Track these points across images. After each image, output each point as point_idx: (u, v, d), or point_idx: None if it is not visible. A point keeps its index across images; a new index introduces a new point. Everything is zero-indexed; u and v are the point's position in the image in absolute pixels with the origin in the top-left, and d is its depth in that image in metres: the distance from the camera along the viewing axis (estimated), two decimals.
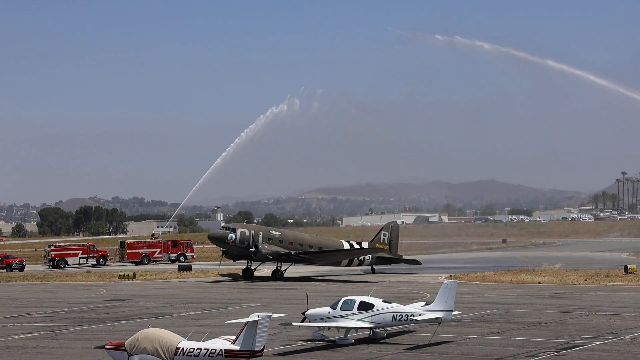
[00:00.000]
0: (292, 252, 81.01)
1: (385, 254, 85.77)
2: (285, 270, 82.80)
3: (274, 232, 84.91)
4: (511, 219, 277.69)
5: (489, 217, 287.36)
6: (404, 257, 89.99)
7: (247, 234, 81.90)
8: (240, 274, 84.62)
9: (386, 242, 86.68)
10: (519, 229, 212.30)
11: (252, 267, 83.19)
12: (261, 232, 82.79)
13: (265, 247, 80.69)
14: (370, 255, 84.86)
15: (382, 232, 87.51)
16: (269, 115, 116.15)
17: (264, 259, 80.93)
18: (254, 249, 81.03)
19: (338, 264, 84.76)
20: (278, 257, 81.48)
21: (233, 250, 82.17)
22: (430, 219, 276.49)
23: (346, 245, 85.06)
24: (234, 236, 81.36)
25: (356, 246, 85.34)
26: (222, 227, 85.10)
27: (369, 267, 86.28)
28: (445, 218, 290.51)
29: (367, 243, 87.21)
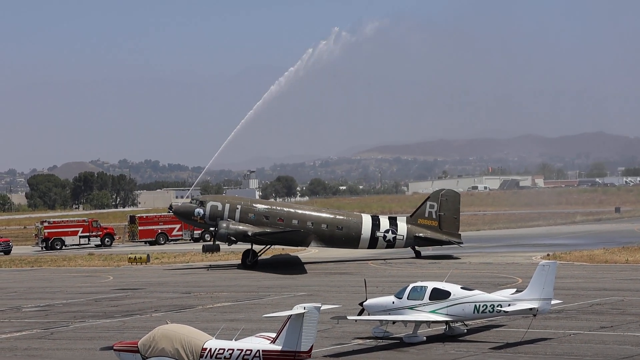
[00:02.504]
0: (250, 233, 79.37)
1: (426, 232, 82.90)
2: (259, 254, 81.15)
3: (258, 205, 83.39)
4: (626, 181, 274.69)
5: (597, 179, 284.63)
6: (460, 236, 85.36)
7: (219, 207, 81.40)
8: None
9: (433, 216, 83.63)
10: (637, 194, 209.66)
11: (256, 251, 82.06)
12: (239, 206, 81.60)
13: (224, 226, 79.35)
14: (405, 234, 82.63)
15: (428, 203, 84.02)
16: (313, 54, 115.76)
17: (225, 239, 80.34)
18: (214, 228, 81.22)
19: (351, 245, 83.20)
20: (243, 239, 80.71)
21: (203, 228, 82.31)
22: (521, 183, 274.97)
23: (368, 222, 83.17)
24: (201, 211, 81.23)
25: (385, 222, 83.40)
26: (191, 199, 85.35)
27: (407, 249, 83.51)
28: (540, 182, 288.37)
29: (404, 217, 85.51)
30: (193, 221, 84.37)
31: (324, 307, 31.38)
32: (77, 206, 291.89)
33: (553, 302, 39.60)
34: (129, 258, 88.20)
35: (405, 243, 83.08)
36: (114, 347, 32.05)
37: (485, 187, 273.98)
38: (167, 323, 32.27)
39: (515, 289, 42.84)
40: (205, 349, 30.25)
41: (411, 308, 39.99)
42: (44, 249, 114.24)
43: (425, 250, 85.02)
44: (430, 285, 40.64)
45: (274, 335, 30.44)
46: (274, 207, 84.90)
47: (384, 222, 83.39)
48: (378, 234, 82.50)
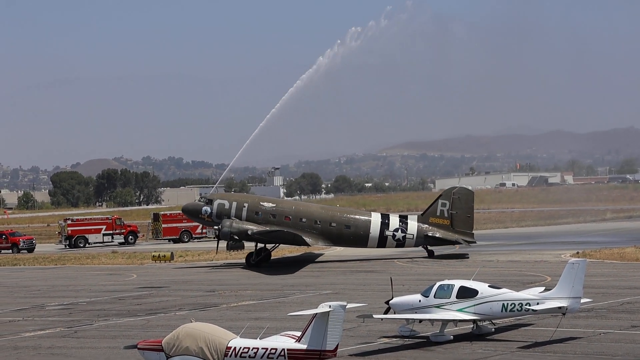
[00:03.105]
0: (250, 232, 79.25)
1: (436, 231, 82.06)
2: (262, 254, 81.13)
3: (265, 203, 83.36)
4: None
5: (628, 176, 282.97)
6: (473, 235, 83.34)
7: (227, 206, 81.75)
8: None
9: (445, 214, 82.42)
10: None
11: (262, 249, 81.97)
12: (246, 204, 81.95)
13: (227, 224, 79.53)
14: (415, 233, 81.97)
15: (440, 202, 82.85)
16: (338, 50, 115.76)
17: (227, 238, 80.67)
18: (218, 226, 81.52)
19: (359, 244, 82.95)
20: (245, 237, 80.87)
21: (211, 226, 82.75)
22: (550, 180, 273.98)
23: (377, 220, 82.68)
24: (209, 209, 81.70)
25: (394, 221, 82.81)
26: (200, 197, 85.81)
27: (419, 249, 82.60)
28: (569, 178, 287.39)
29: (415, 216, 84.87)
30: (201, 219, 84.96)
31: (349, 305, 31.38)
32: (100, 204, 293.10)
33: (582, 300, 39.45)
34: (153, 256, 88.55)
35: (416, 242, 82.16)
36: (138, 346, 32.20)
37: (514, 184, 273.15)
38: (192, 321, 32.37)
39: (544, 287, 42.75)
40: (230, 347, 30.33)
41: (438, 306, 39.95)
42: (67, 247, 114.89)
43: (444, 250, 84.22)
44: (458, 283, 40.58)
45: (299, 334, 30.48)
46: (281, 206, 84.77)
47: (394, 221, 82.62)
48: (387, 232, 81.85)
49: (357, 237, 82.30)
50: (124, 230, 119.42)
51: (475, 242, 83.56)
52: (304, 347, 29.61)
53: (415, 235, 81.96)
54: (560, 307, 38.64)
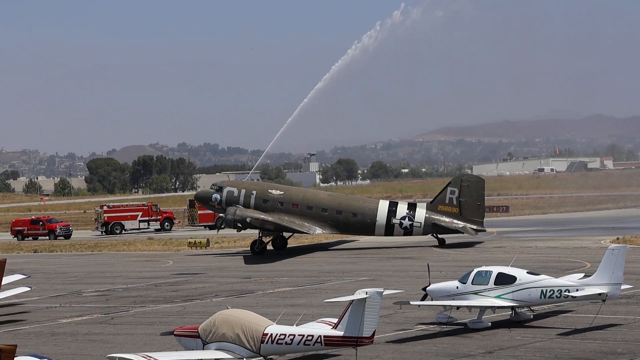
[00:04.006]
0: (248, 220, 79.22)
1: (442, 219, 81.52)
2: (267, 242, 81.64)
3: (273, 191, 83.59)
4: None
5: None
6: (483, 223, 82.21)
7: (235, 193, 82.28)
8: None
9: (454, 202, 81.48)
10: None
11: (264, 239, 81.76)
12: (254, 192, 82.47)
13: (231, 212, 79.72)
14: (422, 221, 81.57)
15: (449, 189, 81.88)
16: (374, 35, 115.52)
17: (231, 225, 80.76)
18: (223, 214, 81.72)
19: (366, 232, 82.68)
20: (248, 225, 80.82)
21: (221, 214, 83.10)
22: (589, 165, 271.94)
23: (384, 208, 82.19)
24: (218, 197, 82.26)
25: (402, 208, 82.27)
26: (212, 185, 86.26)
27: (428, 237, 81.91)
28: (609, 163, 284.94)
29: (424, 204, 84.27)
30: (211, 206, 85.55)
31: (386, 292, 31.41)
32: (136, 190, 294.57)
33: (623, 287, 39.22)
34: (189, 242, 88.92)
35: (424, 230, 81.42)
36: (175, 332, 32.40)
37: (552, 170, 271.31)
38: (228, 308, 32.51)
39: (583, 274, 42.54)
40: (266, 334, 30.44)
41: (476, 293, 39.89)
42: (103, 234, 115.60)
43: (460, 238, 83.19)
44: (496, 269, 40.47)
45: (335, 320, 30.54)
46: (289, 194, 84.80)
47: (401, 209, 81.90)
48: (394, 220, 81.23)
49: (363, 224, 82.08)
50: (160, 217, 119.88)
51: (485, 231, 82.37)
52: (341, 333, 29.66)
53: (422, 224, 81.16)
54: (600, 294, 38.44)
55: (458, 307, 40.19)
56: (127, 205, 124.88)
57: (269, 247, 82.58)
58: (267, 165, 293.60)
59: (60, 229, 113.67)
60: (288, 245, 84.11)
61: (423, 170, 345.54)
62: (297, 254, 79.69)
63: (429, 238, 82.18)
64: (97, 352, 37.63)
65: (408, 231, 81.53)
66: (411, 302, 39.97)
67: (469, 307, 39.97)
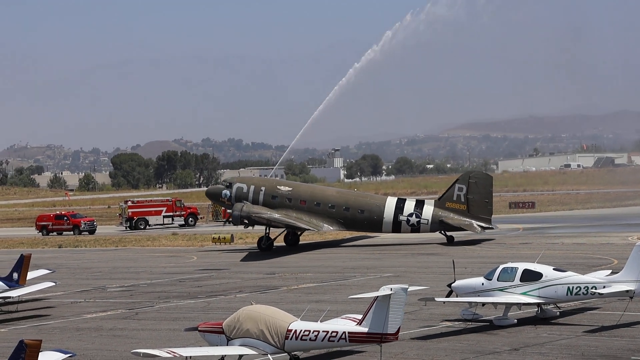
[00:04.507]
0: (254, 216, 79.27)
1: (449, 216, 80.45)
2: (274, 238, 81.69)
3: (282, 187, 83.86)
4: None
5: None
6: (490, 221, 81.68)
7: (245, 189, 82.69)
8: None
9: (462, 199, 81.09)
10: None
11: (270, 235, 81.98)
12: (263, 188, 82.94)
13: (237, 207, 79.99)
14: (430, 218, 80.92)
15: (457, 186, 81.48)
16: (399, 29, 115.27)
17: (238, 221, 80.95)
18: (230, 210, 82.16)
19: (374, 228, 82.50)
20: (254, 221, 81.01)
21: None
22: (617, 161, 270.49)
23: (391, 205, 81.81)
24: (228, 193, 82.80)
25: (409, 205, 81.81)
26: (222, 181, 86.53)
27: (436, 234, 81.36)
28: (637, 159, 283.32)
29: (432, 201, 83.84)
30: (221, 202, 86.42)
31: (411, 288, 31.36)
32: (160, 185, 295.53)
33: None
34: (213, 238, 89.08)
35: (431, 227, 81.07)
36: (199, 328, 32.46)
37: (579, 165, 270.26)
38: (252, 304, 32.54)
39: (610, 271, 42.38)
40: (291, 330, 30.46)
41: (501, 290, 39.78)
42: (128, 229, 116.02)
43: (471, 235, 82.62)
44: (522, 266, 40.34)
45: (360, 317, 30.51)
46: (298, 190, 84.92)
47: (409, 206, 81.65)
48: (401, 217, 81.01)
49: (371, 221, 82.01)
50: (184, 212, 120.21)
51: (492, 228, 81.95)
52: (365, 330, 29.63)
53: (430, 221, 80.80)
54: (627, 291, 38.27)
55: (483, 304, 40.09)
56: (151, 200, 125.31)
57: (282, 243, 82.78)
58: (292, 161, 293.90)
59: (85, 224, 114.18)
60: (300, 242, 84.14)
61: (448, 165, 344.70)
62: (307, 250, 79.80)
63: (437, 235, 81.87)
64: (121, 347, 37.77)
65: (415, 228, 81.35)
66: (436, 299, 39.92)
67: (495, 304, 39.86)
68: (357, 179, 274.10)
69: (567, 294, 39.26)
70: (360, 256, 72.72)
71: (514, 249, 72.46)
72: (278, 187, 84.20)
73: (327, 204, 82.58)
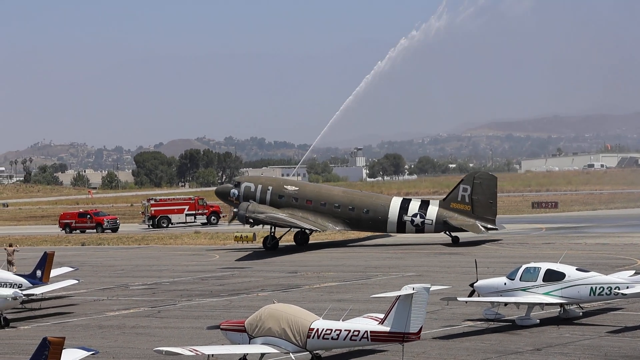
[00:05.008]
0: (259, 215, 79.25)
1: (454, 217, 79.86)
2: (279, 237, 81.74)
3: (289, 187, 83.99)
4: None
5: None
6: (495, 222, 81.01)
7: (252, 188, 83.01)
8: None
9: (466, 200, 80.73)
10: None
11: (275, 234, 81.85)
12: (270, 187, 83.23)
13: (243, 207, 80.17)
14: (434, 219, 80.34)
15: (461, 187, 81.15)
16: (422, 28, 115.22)
17: (243, 221, 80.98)
18: (236, 209, 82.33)
19: (378, 228, 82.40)
20: (257, 221, 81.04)
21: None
22: None
23: (396, 205, 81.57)
24: (236, 192, 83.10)
25: (414, 205, 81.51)
26: (231, 180, 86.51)
27: (441, 235, 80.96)
28: None
29: (437, 202, 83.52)
30: (230, 202, 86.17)
31: (433, 287, 31.34)
32: (183, 184, 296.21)
33: None
34: (235, 236, 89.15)
35: (435, 228, 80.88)
36: (221, 326, 32.54)
37: (602, 165, 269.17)
38: (274, 302, 32.60)
39: (633, 271, 42.22)
40: (313, 329, 30.48)
41: (524, 289, 39.71)
42: (150, 227, 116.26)
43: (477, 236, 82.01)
44: (544, 266, 40.26)
45: (382, 316, 30.51)
46: (304, 189, 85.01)
47: (413, 206, 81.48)
48: (405, 218, 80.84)
49: (375, 221, 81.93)
50: (207, 211, 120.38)
51: (496, 229, 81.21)
52: (387, 329, 29.63)
53: (434, 221, 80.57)
54: None
55: (506, 304, 40.02)
56: (174, 199, 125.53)
57: (292, 242, 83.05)
58: (314, 160, 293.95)
59: (108, 222, 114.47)
60: (310, 241, 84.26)
61: (471, 165, 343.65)
62: (316, 249, 79.83)
63: (442, 236, 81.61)
64: (143, 345, 37.91)
65: (420, 228, 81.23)
66: (458, 298, 39.88)
67: (517, 304, 39.78)
68: (380, 178, 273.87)
69: (590, 294, 39.15)
70: (382, 255, 72.68)
71: (537, 248, 72.25)
72: (285, 186, 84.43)
73: (332, 204, 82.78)
